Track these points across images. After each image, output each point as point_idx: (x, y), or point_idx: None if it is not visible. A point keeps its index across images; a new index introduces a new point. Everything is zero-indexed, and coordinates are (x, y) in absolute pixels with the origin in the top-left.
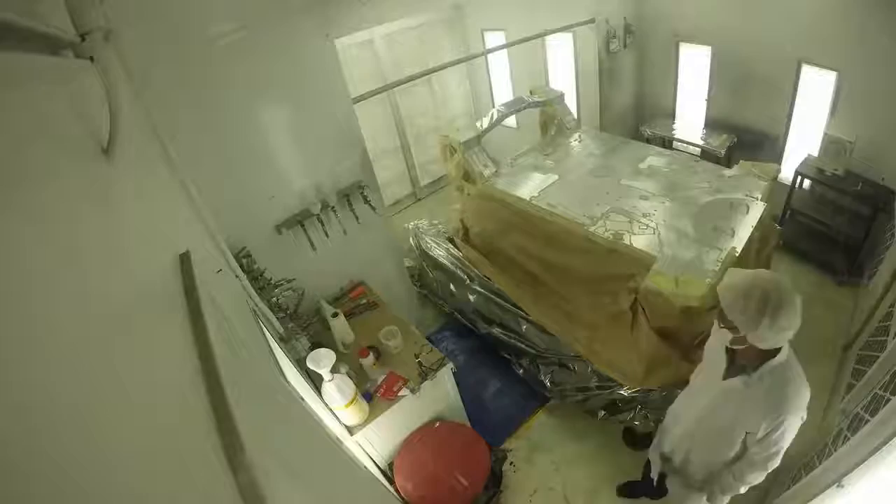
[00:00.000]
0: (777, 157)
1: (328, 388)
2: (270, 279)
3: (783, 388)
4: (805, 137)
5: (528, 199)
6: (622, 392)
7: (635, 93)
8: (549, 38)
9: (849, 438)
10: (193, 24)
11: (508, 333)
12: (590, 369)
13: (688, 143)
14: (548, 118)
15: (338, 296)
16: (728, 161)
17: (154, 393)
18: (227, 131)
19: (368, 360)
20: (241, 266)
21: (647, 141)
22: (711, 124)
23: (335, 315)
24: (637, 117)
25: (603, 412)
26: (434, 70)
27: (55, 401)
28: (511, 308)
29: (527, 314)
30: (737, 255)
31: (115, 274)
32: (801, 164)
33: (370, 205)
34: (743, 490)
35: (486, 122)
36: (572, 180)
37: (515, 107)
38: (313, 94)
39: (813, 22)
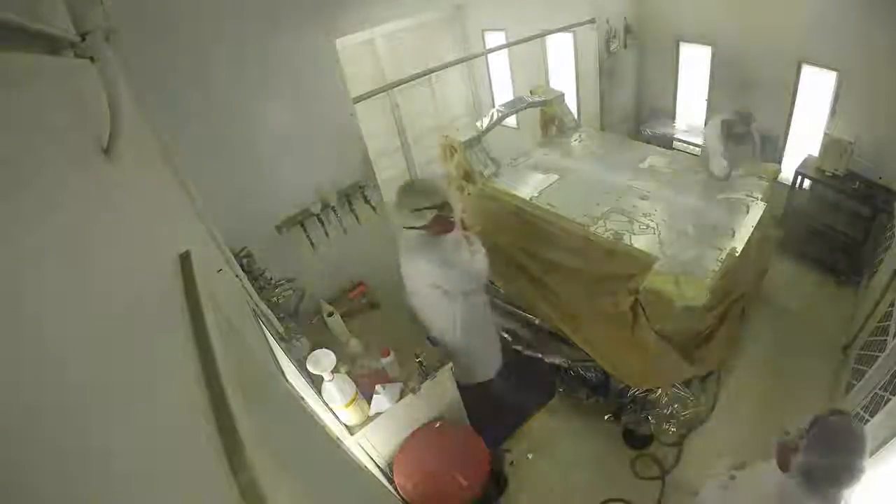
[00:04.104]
0: (777, 158)
1: (328, 387)
2: (271, 279)
3: None
4: (805, 137)
5: (528, 199)
6: (628, 395)
7: (635, 93)
8: (549, 38)
9: None
10: (194, 24)
11: (510, 333)
12: (598, 373)
13: (688, 142)
14: (548, 118)
15: (338, 295)
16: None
17: (154, 393)
18: (227, 131)
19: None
20: (242, 266)
21: (648, 141)
22: None
23: (331, 314)
24: (637, 117)
25: (609, 415)
26: (434, 70)
27: (55, 401)
28: (511, 309)
29: (527, 314)
30: (737, 255)
31: (115, 274)
32: (802, 164)
33: (370, 205)
34: None
35: (486, 122)
36: (572, 180)
37: (515, 107)
38: (313, 93)
39: (813, 22)
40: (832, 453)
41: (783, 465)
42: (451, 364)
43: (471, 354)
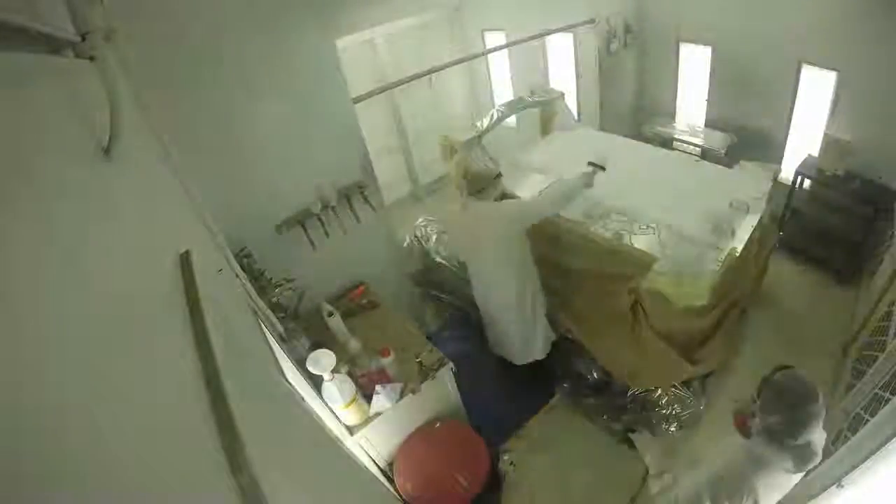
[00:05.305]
0: (777, 157)
1: (328, 387)
2: (270, 279)
3: None
4: (805, 137)
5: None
6: (627, 395)
7: (635, 93)
8: (549, 38)
9: (849, 438)
10: (194, 24)
11: None
12: (598, 373)
13: (688, 142)
14: (548, 118)
15: (338, 296)
16: (728, 161)
17: (154, 393)
18: (227, 131)
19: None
20: (241, 266)
21: (648, 141)
22: (712, 124)
23: (331, 314)
24: (637, 117)
25: (609, 415)
26: (434, 70)
27: (55, 401)
28: None
29: None
30: (737, 255)
31: (115, 274)
32: (802, 164)
33: (370, 205)
34: None
35: (486, 122)
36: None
37: (515, 107)
38: (313, 94)
39: (813, 22)
40: (786, 409)
41: (743, 433)
42: (451, 364)
43: (536, 327)
